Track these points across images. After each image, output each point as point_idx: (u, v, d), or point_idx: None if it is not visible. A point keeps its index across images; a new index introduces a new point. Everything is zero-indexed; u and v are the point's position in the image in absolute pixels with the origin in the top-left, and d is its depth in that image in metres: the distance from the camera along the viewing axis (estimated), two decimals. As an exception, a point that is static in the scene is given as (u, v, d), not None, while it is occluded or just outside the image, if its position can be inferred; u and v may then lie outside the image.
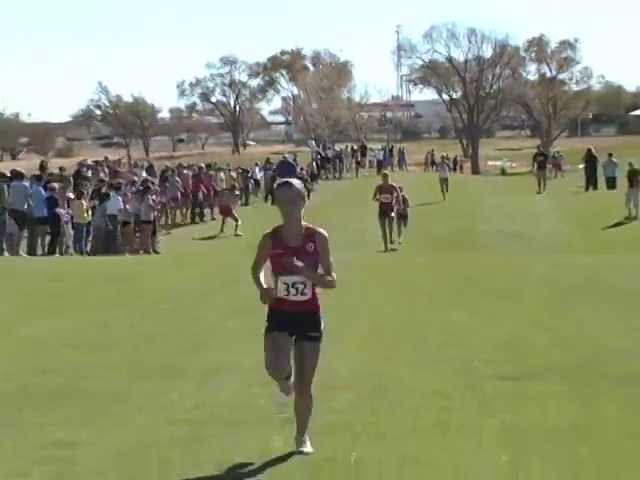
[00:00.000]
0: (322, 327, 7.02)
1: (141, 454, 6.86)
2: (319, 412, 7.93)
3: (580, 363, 9.99)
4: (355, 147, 70.70)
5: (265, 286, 6.97)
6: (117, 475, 6.43)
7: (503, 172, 77.08)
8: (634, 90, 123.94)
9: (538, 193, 44.27)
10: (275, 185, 7.13)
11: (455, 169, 73.30)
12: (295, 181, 7.05)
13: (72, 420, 7.81)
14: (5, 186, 24.83)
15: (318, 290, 7.03)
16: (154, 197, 30.48)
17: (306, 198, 7.07)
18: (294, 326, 6.93)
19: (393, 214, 27.13)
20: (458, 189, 44.16)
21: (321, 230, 6.95)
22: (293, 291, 6.93)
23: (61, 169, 34.18)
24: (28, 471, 6.55)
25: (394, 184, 27.70)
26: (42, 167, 31.43)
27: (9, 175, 26.06)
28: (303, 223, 6.94)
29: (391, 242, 27.13)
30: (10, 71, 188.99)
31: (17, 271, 18.87)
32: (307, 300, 6.98)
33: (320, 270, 6.97)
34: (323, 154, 63.47)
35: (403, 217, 29.00)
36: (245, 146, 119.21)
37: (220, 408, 8.19)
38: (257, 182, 50.54)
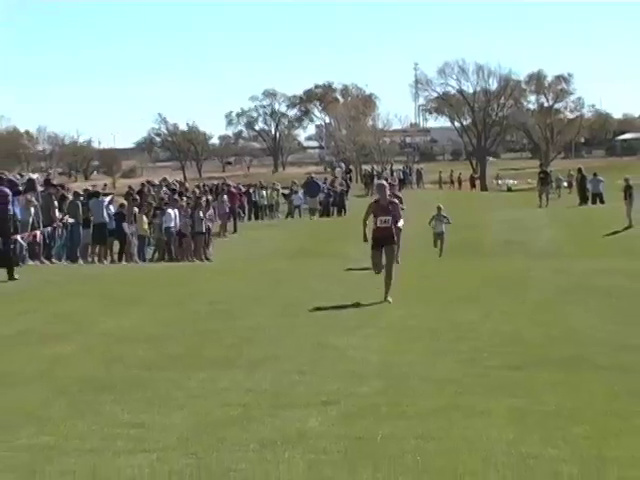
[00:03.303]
0: None
1: (198, 433, 6.94)
2: (351, 396, 8.02)
3: (573, 354, 9.99)
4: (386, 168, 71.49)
5: None
6: (179, 451, 6.50)
7: (509, 189, 76.96)
8: (620, 117, 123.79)
9: (539, 207, 43.80)
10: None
11: (473, 186, 74.06)
12: None
13: (138, 404, 7.89)
14: (79, 203, 25.08)
15: None
16: (210, 212, 30.90)
17: None
18: None
19: (394, 248, 15.33)
20: (468, 204, 44.00)
21: None
22: None
23: (130, 188, 34.46)
24: (102, 446, 6.61)
25: (395, 200, 15.82)
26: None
27: (84, 194, 26.52)
28: None
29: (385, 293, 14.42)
30: (84, 104, 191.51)
31: (90, 277, 19.02)
32: None
33: None
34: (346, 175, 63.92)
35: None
36: (284, 167, 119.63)
37: (265, 394, 8.24)
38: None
